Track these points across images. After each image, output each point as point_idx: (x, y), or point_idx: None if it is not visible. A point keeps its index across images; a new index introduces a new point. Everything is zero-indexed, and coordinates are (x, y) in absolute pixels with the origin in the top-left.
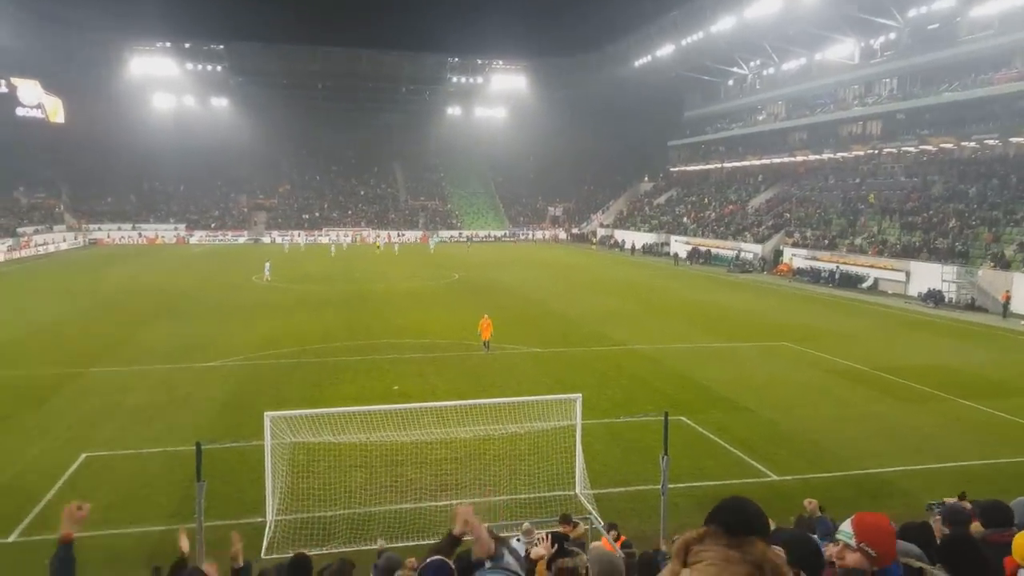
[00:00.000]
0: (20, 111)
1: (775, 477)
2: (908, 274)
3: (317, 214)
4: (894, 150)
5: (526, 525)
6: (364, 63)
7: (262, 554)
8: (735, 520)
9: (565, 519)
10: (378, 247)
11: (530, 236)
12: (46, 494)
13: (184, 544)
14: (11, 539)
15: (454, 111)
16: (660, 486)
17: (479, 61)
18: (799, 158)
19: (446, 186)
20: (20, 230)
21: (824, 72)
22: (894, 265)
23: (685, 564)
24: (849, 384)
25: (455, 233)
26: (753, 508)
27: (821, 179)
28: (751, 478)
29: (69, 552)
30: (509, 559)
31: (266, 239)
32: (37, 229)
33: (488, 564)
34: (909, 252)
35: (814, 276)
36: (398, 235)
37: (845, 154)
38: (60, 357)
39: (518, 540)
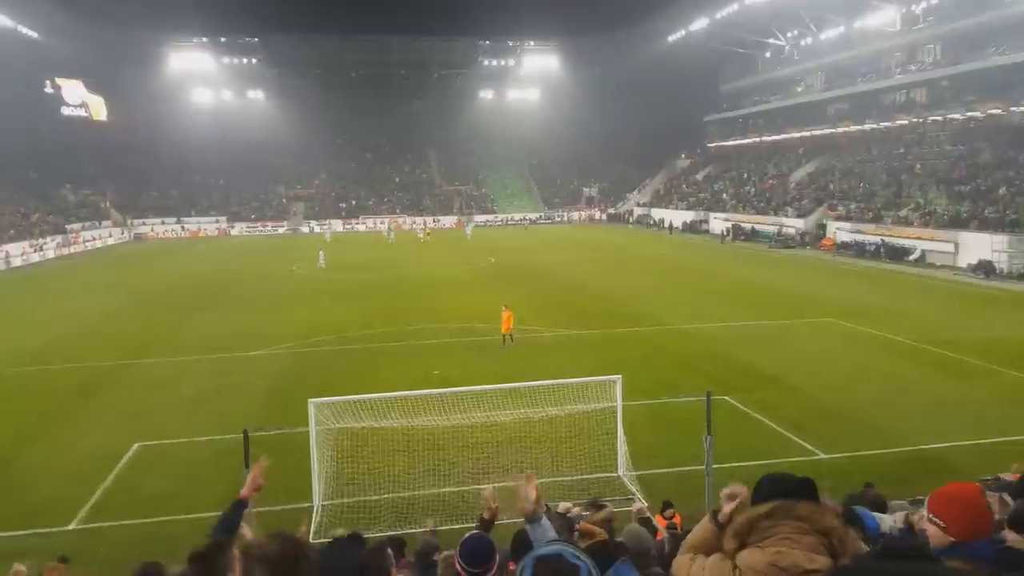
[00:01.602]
0: (65, 110)
1: (823, 455)
2: (957, 245)
3: (354, 202)
4: (939, 118)
5: (563, 505)
6: (395, 50)
7: (310, 538)
8: (800, 489)
9: (595, 504)
10: (428, 234)
11: (565, 218)
12: (102, 482)
13: (247, 533)
14: (71, 527)
15: (486, 94)
16: (704, 466)
17: (510, 43)
18: (840, 129)
19: (480, 170)
20: (69, 227)
21: (864, 40)
22: (942, 236)
23: (744, 545)
24: (898, 359)
25: (490, 217)
26: (806, 483)
27: (864, 150)
28: (798, 456)
29: (239, 510)
30: (547, 523)
31: (304, 229)
32: (84, 225)
33: (528, 527)
34: (957, 223)
35: (859, 250)
36: (434, 220)
37: (888, 124)
38: (111, 349)
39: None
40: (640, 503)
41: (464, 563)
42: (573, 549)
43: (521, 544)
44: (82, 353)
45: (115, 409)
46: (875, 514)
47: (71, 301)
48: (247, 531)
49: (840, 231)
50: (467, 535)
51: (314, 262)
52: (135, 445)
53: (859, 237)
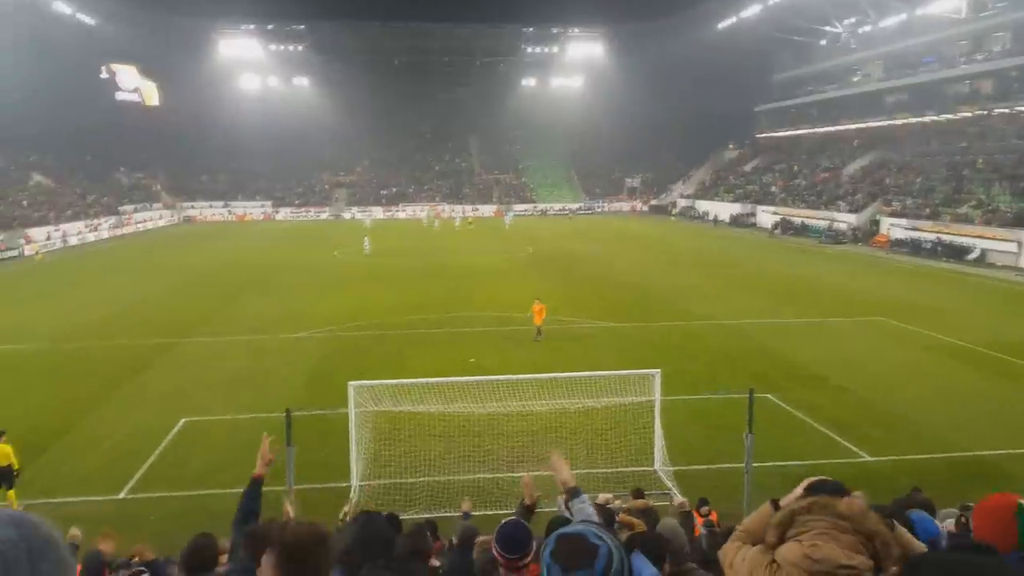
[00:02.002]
0: (119, 95)
1: (869, 458)
2: (1021, 244)
3: (394, 190)
4: (1006, 110)
5: (603, 496)
6: (439, 38)
7: (347, 518)
8: (839, 490)
9: (637, 493)
10: (469, 222)
11: (606, 208)
12: (150, 456)
13: (291, 512)
14: (121, 496)
15: (529, 82)
16: (744, 464)
17: (554, 30)
18: (899, 121)
19: (520, 159)
20: (122, 208)
21: (927, 28)
22: (1005, 235)
23: (783, 540)
24: (952, 362)
25: (528, 207)
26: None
27: (923, 143)
28: (843, 458)
29: (257, 487)
30: (586, 498)
31: (346, 215)
32: (137, 207)
33: (570, 504)
34: (1022, 220)
35: (914, 247)
36: (473, 209)
37: (950, 116)
38: (159, 328)
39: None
40: (680, 498)
41: (501, 549)
42: (597, 530)
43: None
44: (133, 331)
45: (163, 385)
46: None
47: (123, 280)
48: (290, 509)
49: (894, 227)
50: (504, 521)
51: (354, 247)
52: (181, 420)
53: (915, 234)
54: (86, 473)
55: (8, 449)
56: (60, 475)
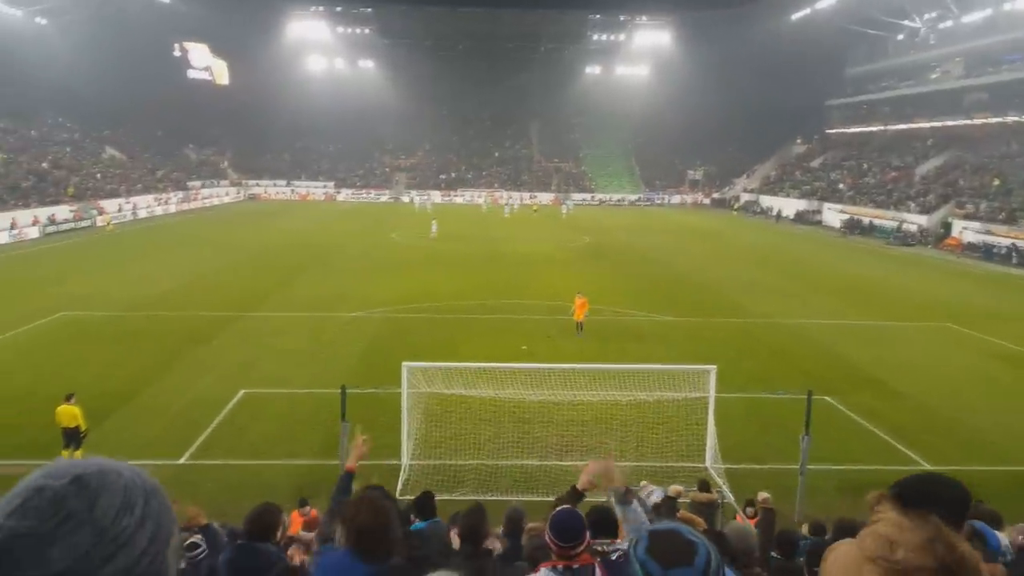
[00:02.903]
0: (191, 73)
1: (927, 466)
2: None
3: (453, 175)
4: None
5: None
6: (504, 23)
7: (396, 495)
8: (910, 493)
9: (703, 485)
10: (535, 209)
11: (666, 200)
12: (210, 424)
13: (360, 439)
14: (181, 461)
15: (593, 70)
16: (799, 466)
17: (622, 18)
18: (977, 121)
19: (581, 147)
20: (190, 184)
21: (1013, 24)
22: None
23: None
24: (1019, 372)
25: (587, 196)
26: (945, 488)
27: (1002, 145)
28: (901, 465)
29: (349, 480)
30: (638, 507)
31: (405, 198)
32: (204, 183)
33: (619, 507)
34: None
35: (987, 252)
36: (531, 197)
37: None
38: (222, 302)
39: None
40: (764, 493)
41: (555, 538)
42: (686, 528)
43: (600, 521)
44: (197, 303)
45: (224, 357)
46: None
47: (189, 254)
48: (360, 440)
49: (967, 231)
50: (559, 509)
51: (412, 231)
52: (241, 392)
53: (988, 239)
54: (149, 438)
55: (76, 411)
56: (123, 439)
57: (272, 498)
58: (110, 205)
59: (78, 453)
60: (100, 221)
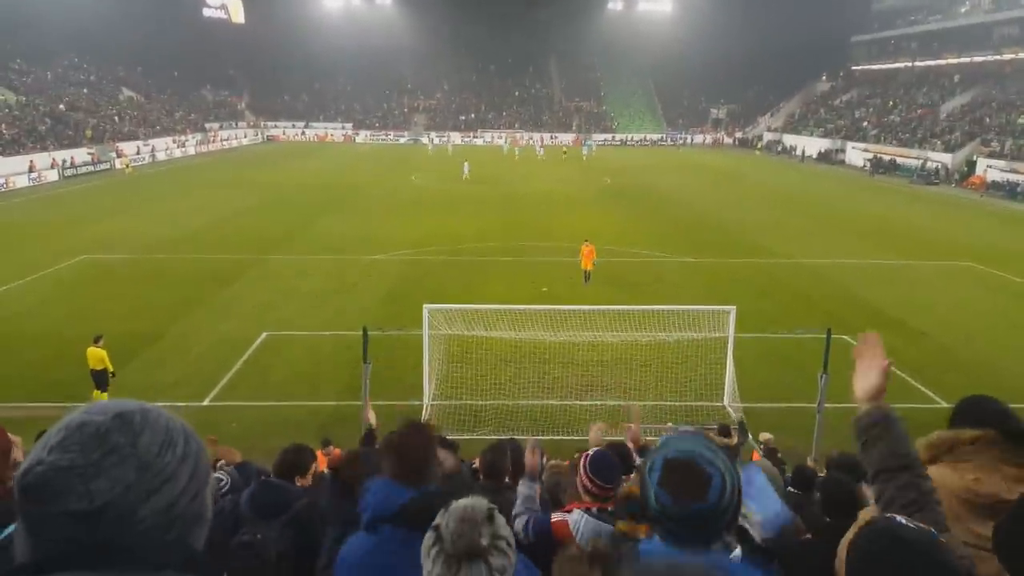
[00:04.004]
0: (206, 11)
1: (944, 404)
2: None
3: (473, 115)
4: None
5: (670, 426)
6: None
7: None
8: (1015, 425)
9: (724, 430)
10: (564, 151)
11: (689, 140)
12: (233, 365)
13: (371, 417)
14: (205, 403)
15: (615, 5)
16: (816, 404)
17: None
18: (1006, 56)
19: (602, 86)
20: (207, 125)
21: None
22: None
23: (935, 460)
24: None
25: (608, 136)
26: (1011, 413)
27: None
28: (919, 403)
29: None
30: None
31: (424, 140)
32: (222, 125)
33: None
34: None
35: (1011, 191)
36: (551, 138)
37: None
38: (242, 244)
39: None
40: (767, 434)
41: (596, 478)
42: (706, 450)
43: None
44: (218, 245)
45: (246, 299)
46: None
47: (209, 196)
48: (372, 418)
49: (992, 169)
50: (595, 450)
51: (433, 173)
52: (263, 334)
53: (1013, 177)
54: (174, 379)
55: (102, 353)
56: (149, 381)
57: (296, 437)
58: (128, 147)
59: (104, 396)
60: (119, 164)
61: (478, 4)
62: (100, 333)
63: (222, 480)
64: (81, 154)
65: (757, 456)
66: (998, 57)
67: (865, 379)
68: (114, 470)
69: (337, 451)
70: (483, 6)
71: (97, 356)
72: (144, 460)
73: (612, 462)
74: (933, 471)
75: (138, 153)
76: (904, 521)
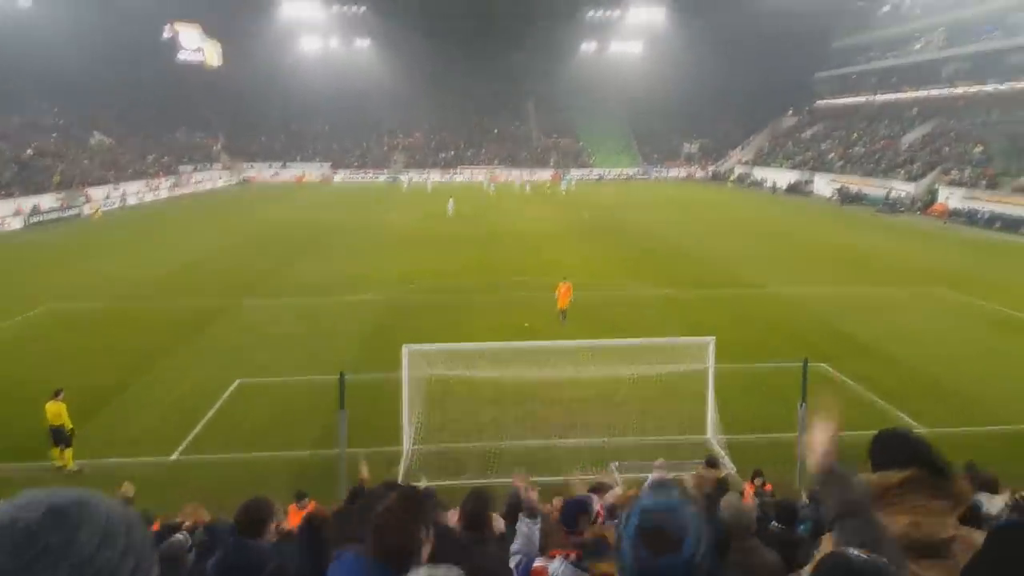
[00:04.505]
0: (182, 55)
1: (923, 429)
2: None
3: (452, 153)
4: None
5: (659, 461)
6: (498, 1)
7: (399, 482)
8: (939, 463)
9: (711, 462)
10: (548, 187)
11: (664, 174)
12: (204, 416)
13: (364, 471)
14: (173, 457)
15: (589, 46)
16: (797, 435)
17: None
18: (959, 90)
19: (579, 123)
20: (181, 168)
21: None
22: None
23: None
24: (1010, 335)
25: (586, 171)
26: (927, 443)
27: (983, 113)
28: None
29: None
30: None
31: (404, 178)
32: (195, 168)
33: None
34: None
35: (971, 218)
36: (530, 173)
37: (1013, 84)
38: (216, 289)
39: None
40: (730, 467)
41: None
42: (681, 503)
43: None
44: (189, 291)
45: (218, 345)
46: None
47: (181, 240)
48: (364, 471)
49: (953, 197)
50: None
51: (411, 211)
52: (236, 381)
53: (972, 204)
54: (139, 433)
55: (61, 408)
56: (114, 435)
57: (269, 491)
58: (98, 192)
59: (68, 453)
60: (88, 209)
61: (455, 46)
62: (60, 387)
63: (186, 543)
64: (49, 200)
65: (751, 488)
66: (952, 91)
67: (813, 448)
68: (46, 573)
69: (313, 504)
70: (460, 48)
71: (55, 411)
72: (81, 558)
73: (580, 509)
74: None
75: (108, 198)
76: (858, 553)
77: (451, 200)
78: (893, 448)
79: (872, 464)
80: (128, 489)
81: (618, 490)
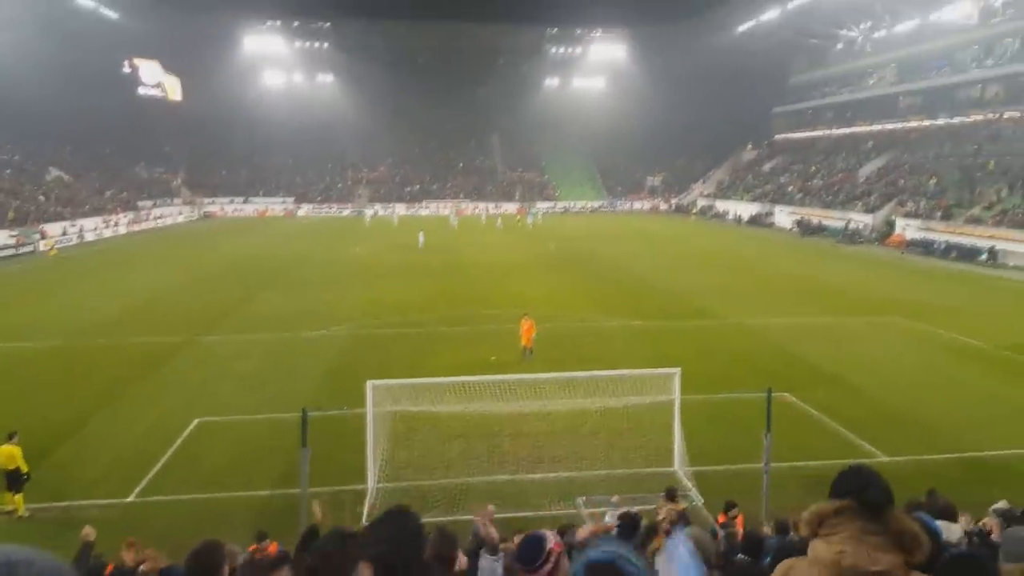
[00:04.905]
0: (141, 90)
1: (885, 458)
2: None
3: (417, 187)
4: (1016, 114)
5: (615, 499)
6: (463, 36)
7: (363, 520)
8: (871, 495)
9: (670, 494)
10: (518, 219)
11: (628, 207)
12: (162, 456)
13: (317, 511)
14: (129, 499)
15: (552, 82)
16: (763, 465)
17: (578, 31)
18: (912, 124)
19: (543, 157)
20: (140, 203)
21: (940, 33)
22: (1016, 236)
23: (815, 534)
24: (967, 363)
25: (551, 204)
26: (881, 480)
27: (936, 146)
28: (860, 458)
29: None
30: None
31: (368, 212)
32: (156, 202)
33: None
34: None
35: (928, 248)
36: (495, 207)
37: (962, 119)
38: (175, 326)
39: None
40: (697, 499)
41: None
42: (627, 552)
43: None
44: (147, 328)
45: (177, 384)
46: (944, 523)
47: (139, 276)
48: (318, 512)
49: (909, 228)
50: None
51: (375, 245)
52: (195, 421)
53: (929, 235)
54: (96, 475)
55: (16, 451)
56: (69, 477)
57: (230, 532)
58: (54, 228)
59: (18, 498)
60: (43, 246)
61: (419, 80)
62: (15, 429)
63: None
64: (2, 237)
65: (723, 519)
66: (905, 124)
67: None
68: None
69: (274, 546)
70: (425, 82)
71: (8, 454)
72: None
73: (531, 542)
74: (812, 545)
75: (65, 234)
76: None
77: (421, 233)
78: (844, 480)
79: (829, 495)
80: (89, 533)
81: (584, 529)
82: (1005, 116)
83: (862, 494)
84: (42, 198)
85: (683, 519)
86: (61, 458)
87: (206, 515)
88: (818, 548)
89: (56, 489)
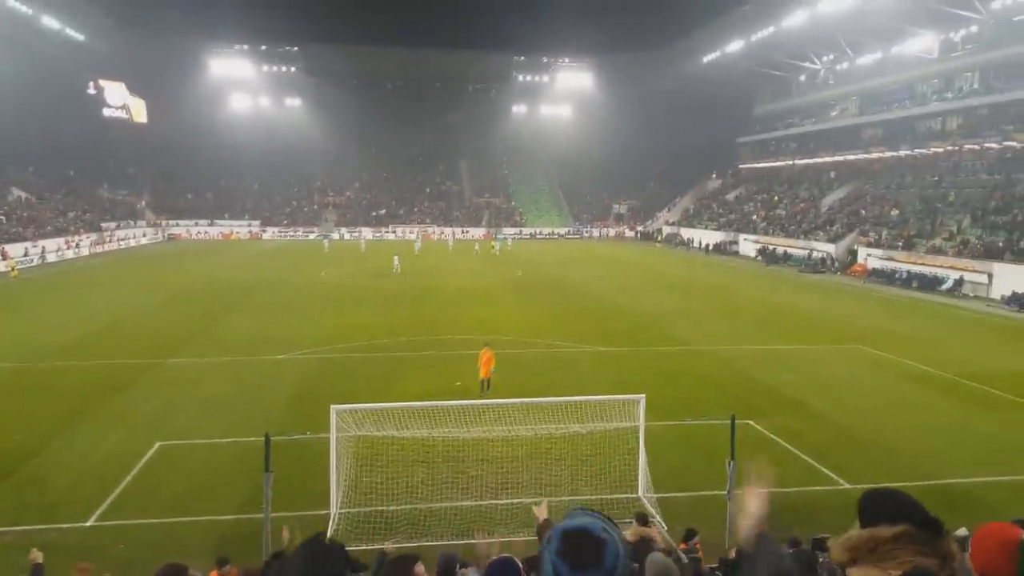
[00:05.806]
0: (106, 111)
1: (847, 485)
2: (991, 276)
3: (384, 211)
4: (976, 147)
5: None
6: (432, 63)
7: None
8: (932, 521)
9: (641, 519)
10: (493, 245)
11: (594, 234)
12: (122, 481)
13: (285, 535)
14: (88, 523)
15: (519, 109)
16: (726, 492)
17: (545, 59)
18: (874, 155)
19: (510, 183)
20: (104, 225)
21: (901, 67)
22: (975, 267)
23: (855, 561)
24: (928, 390)
25: (518, 230)
26: (917, 501)
27: (897, 176)
28: (821, 486)
29: None
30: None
31: (335, 236)
32: (119, 224)
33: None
34: (992, 253)
35: (890, 277)
36: (462, 232)
37: (923, 151)
38: (137, 348)
39: None
40: (660, 527)
41: None
42: (602, 522)
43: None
44: (109, 350)
45: (139, 408)
46: None
47: (100, 298)
48: (286, 536)
49: (871, 257)
50: (494, 558)
51: (341, 269)
52: (156, 444)
53: (890, 264)
54: (53, 499)
55: None
56: (24, 501)
57: (191, 557)
58: (15, 249)
59: None
60: (3, 267)
61: (388, 105)
62: None
63: None
64: None
65: (684, 547)
66: (867, 155)
67: (748, 511)
68: None
69: (235, 571)
70: (393, 107)
71: None
72: None
73: (510, 570)
74: (856, 572)
75: (26, 255)
76: None
77: (396, 257)
78: (884, 505)
79: (861, 522)
80: (36, 556)
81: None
82: (965, 148)
83: (921, 519)
84: (3, 218)
85: (646, 545)
86: (18, 481)
87: (167, 540)
88: (870, 574)
89: (13, 512)
